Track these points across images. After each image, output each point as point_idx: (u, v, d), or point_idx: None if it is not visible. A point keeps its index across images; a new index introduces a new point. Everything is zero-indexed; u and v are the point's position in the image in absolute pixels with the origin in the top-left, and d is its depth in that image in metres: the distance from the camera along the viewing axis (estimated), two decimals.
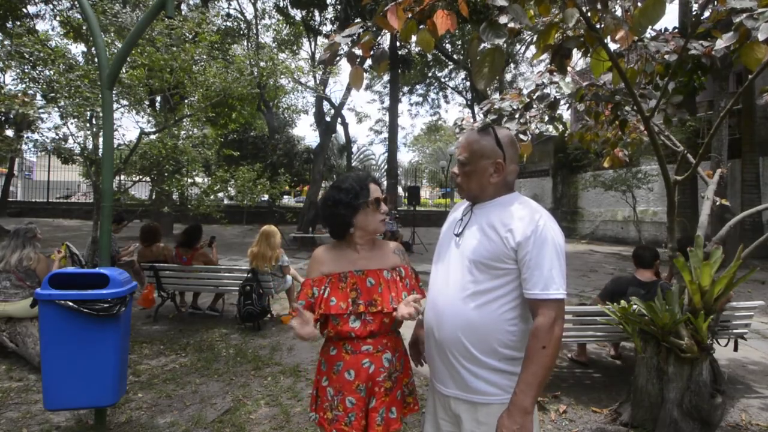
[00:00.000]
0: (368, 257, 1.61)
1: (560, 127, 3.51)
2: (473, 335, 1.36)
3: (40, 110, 4.69)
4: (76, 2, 6.42)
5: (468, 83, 23.04)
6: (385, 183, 17.09)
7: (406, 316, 1.42)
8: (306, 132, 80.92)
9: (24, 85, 4.99)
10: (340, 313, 1.51)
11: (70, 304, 2.27)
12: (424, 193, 37.19)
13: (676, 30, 2.94)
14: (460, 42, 21.87)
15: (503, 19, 1.77)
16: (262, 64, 6.31)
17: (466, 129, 3.61)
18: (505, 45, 1.91)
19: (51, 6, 11.59)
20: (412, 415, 2.97)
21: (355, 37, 1.98)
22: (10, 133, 5.73)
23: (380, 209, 1.60)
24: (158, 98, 6.89)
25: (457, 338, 1.38)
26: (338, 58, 2.03)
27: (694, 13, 9.02)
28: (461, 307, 1.38)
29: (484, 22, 1.73)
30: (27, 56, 4.51)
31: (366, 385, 1.54)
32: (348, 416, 1.52)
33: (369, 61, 2.18)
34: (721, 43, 2.04)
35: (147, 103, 5.88)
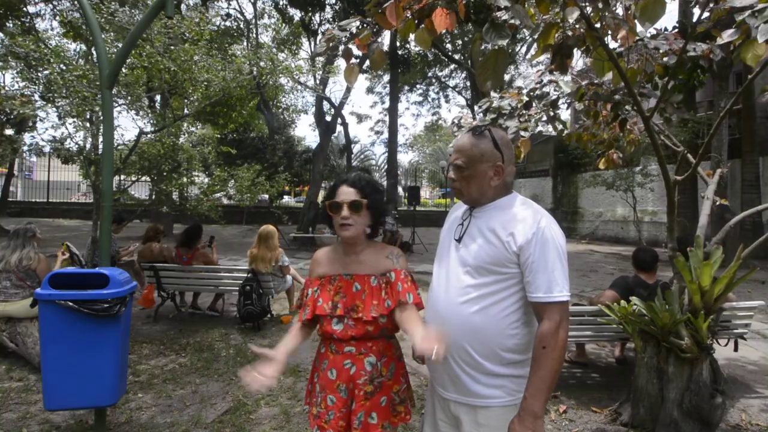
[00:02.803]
0: (360, 261, 1.60)
1: (560, 126, 3.50)
2: (475, 339, 1.36)
3: (38, 110, 4.67)
4: (75, 2, 6.42)
5: (468, 83, 23.03)
6: (385, 183, 17.09)
7: (423, 353, 1.22)
8: (306, 132, 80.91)
9: (23, 85, 4.98)
10: (323, 314, 1.55)
11: (70, 304, 2.27)
12: (424, 193, 37.19)
13: (676, 30, 2.94)
14: (460, 41, 21.87)
15: (503, 16, 1.77)
16: (261, 63, 6.30)
17: (465, 127, 3.61)
18: (507, 46, 1.91)
19: (51, 6, 11.58)
20: (411, 415, 2.98)
21: (354, 31, 1.98)
22: (10, 132, 5.72)
23: (338, 213, 1.57)
24: (158, 97, 6.88)
25: (458, 342, 1.37)
26: (335, 52, 2.04)
27: (693, 11, 9.02)
28: (462, 312, 1.37)
29: (487, 24, 1.72)
30: (23, 56, 4.50)
31: (347, 385, 1.54)
32: (328, 414, 1.54)
33: (368, 62, 2.19)
34: (721, 40, 2.04)
35: (146, 102, 5.86)
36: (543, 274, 1.29)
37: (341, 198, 1.57)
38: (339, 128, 19.81)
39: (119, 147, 5.37)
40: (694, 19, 2.48)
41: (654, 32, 2.80)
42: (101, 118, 3.88)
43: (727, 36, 2.00)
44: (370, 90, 27.00)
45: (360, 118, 33.32)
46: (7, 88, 5.53)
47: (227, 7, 17.62)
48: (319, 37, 16.19)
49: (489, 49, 1.83)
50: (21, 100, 4.58)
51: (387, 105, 21.76)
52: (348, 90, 16.01)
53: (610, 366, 4.06)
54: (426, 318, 1.52)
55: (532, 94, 3.38)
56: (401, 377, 1.64)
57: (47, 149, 5.26)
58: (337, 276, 1.59)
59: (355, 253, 1.62)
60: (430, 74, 24.26)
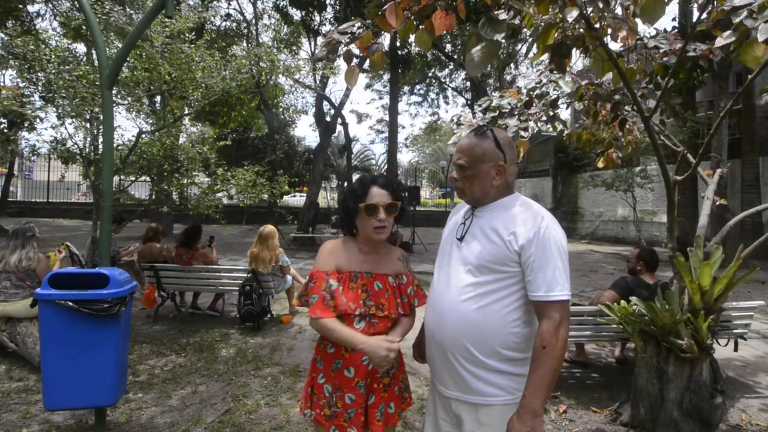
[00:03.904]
0: (375, 261, 1.63)
1: (560, 126, 3.50)
2: (475, 337, 1.36)
3: (38, 110, 4.66)
4: (75, 2, 6.42)
5: (468, 83, 23.03)
6: None
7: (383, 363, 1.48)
8: (306, 132, 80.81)
9: (23, 85, 4.97)
10: (348, 312, 1.53)
11: (70, 304, 2.27)
12: (424, 193, 37.15)
13: (676, 30, 2.94)
14: (460, 42, 21.85)
15: (502, 16, 1.78)
16: (261, 64, 6.30)
17: (465, 125, 3.61)
18: (503, 41, 1.92)
19: (51, 6, 11.58)
20: (412, 414, 2.98)
21: (355, 34, 1.98)
22: (7, 132, 5.70)
23: (374, 216, 1.55)
24: (158, 97, 6.88)
25: (459, 340, 1.38)
26: (336, 55, 2.03)
27: (693, 11, 9.02)
28: (463, 310, 1.37)
29: (483, 18, 1.73)
30: (21, 56, 4.49)
31: (365, 381, 1.56)
32: (347, 412, 1.54)
33: (368, 62, 2.19)
34: (720, 42, 2.04)
35: (146, 102, 5.86)
36: (544, 274, 1.30)
37: (377, 200, 1.56)
38: (339, 128, 19.81)
39: (119, 147, 5.37)
40: (694, 19, 2.49)
41: (654, 32, 2.81)
42: (100, 118, 3.87)
43: (725, 37, 2.00)
44: (369, 86, 26.96)
45: (360, 117, 33.37)
46: (6, 90, 5.51)
47: (227, 7, 17.62)
48: (320, 38, 16.20)
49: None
50: (20, 101, 4.54)
51: (386, 102, 21.78)
52: (348, 91, 15.98)
53: (610, 366, 4.06)
54: (426, 316, 1.53)
55: (532, 93, 3.38)
56: (403, 366, 1.73)
57: (45, 149, 5.26)
58: (357, 273, 1.58)
59: (372, 253, 1.64)
60: (429, 75, 24.24)
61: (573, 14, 1.86)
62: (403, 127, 42.23)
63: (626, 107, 3.12)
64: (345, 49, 2.01)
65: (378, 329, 1.55)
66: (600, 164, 3.96)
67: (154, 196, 6.24)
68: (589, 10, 2.00)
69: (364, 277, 1.58)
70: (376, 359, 1.45)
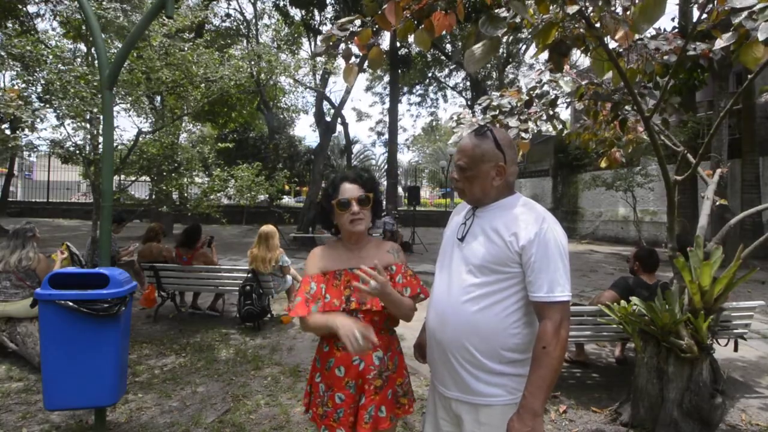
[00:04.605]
0: (362, 256, 1.63)
1: (559, 126, 3.50)
2: (476, 338, 1.36)
3: (36, 112, 4.65)
4: (75, 2, 6.41)
5: (468, 83, 23.03)
6: (385, 183, 17.08)
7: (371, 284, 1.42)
8: (306, 132, 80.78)
9: (22, 86, 4.96)
10: (333, 309, 1.54)
11: (70, 304, 2.27)
12: (424, 193, 37.15)
13: (676, 30, 2.94)
14: (460, 42, 21.85)
15: (503, 14, 1.78)
16: (262, 64, 6.29)
17: (464, 125, 3.60)
18: (503, 37, 1.92)
19: (51, 6, 11.56)
20: (412, 414, 2.98)
21: (354, 30, 1.98)
22: (7, 131, 5.68)
23: (347, 210, 1.59)
24: (158, 98, 6.88)
25: (460, 341, 1.38)
26: (335, 51, 2.03)
27: (693, 10, 9.02)
28: (464, 311, 1.37)
29: (483, 16, 1.73)
30: (19, 57, 4.48)
31: (356, 382, 1.55)
32: (336, 412, 1.54)
33: (367, 62, 2.19)
34: (720, 43, 2.04)
35: (146, 102, 5.85)
36: (545, 274, 1.30)
37: (348, 195, 1.60)
38: (339, 128, 19.81)
39: (119, 147, 5.36)
40: (694, 19, 2.48)
41: (654, 32, 2.81)
42: (100, 118, 3.86)
43: (725, 39, 1.99)
44: (369, 89, 27.00)
45: (360, 115, 33.40)
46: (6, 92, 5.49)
47: (227, 7, 17.64)
48: (320, 37, 16.19)
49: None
50: (17, 103, 4.51)
51: (387, 105, 21.78)
52: (348, 91, 15.99)
53: (610, 366, 4.06)
54: (428, 316, 1.53)
55: (532, 93, 3.38)
56: (404, 370, 1.69)
57: (44, 148, 5.25)
58: (342, 271, 1.60)
59: (358, 249, 1.65)
60: (429, 75, 24.26)
61: (573, 8, 1.86)
62: (405, 129, 42.31)
63: (626, 107, 3.12)
64: (345, 47, 2.01)
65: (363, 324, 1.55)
66: (603, 164, 3.95)
67: (154, 196, 6.24)
68: (590, 9, 2.00)
69: (349, 273, 1.59)
70: (344, 337, 1.39)
